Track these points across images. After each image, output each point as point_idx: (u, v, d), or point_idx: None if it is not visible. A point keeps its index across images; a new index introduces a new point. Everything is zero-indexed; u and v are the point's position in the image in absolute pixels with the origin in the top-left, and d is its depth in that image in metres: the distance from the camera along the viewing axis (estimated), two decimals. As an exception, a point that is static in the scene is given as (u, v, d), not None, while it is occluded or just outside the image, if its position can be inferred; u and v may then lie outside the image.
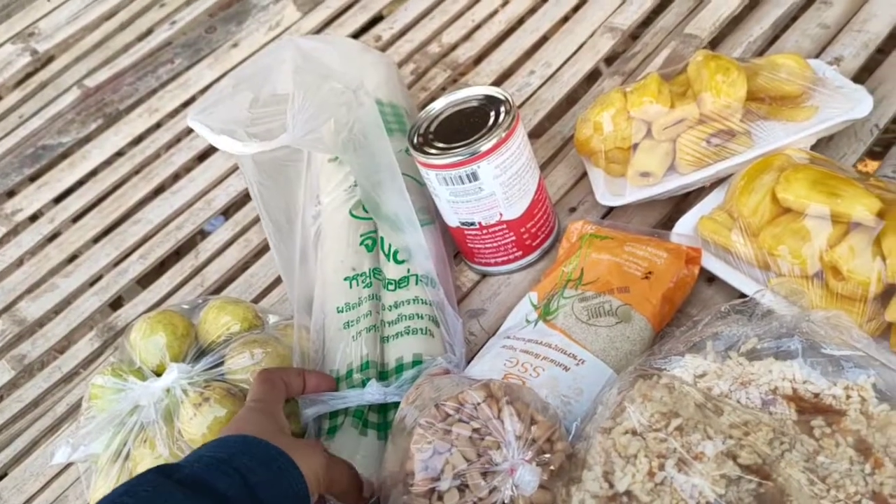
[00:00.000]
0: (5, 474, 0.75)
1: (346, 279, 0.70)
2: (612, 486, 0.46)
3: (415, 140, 0.69)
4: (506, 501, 0.46)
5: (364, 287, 0.70)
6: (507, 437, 0.47)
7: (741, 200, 0.65)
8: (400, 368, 0.65)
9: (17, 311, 0.87)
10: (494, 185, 0.68)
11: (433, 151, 0.67)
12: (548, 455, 0.47)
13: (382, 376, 0.65)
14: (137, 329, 0.66)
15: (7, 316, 0.86)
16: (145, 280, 0.87)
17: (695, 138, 0.71)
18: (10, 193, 1.00)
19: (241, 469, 0.46)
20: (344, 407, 0.63)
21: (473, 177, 0.67)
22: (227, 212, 0.92)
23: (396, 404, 0.59)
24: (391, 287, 0.70)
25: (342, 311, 0.69)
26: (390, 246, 0.71)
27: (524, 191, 0.70)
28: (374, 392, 0.62)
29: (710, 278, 0.68)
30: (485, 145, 0.66)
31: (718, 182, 0.71)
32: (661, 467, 0.45)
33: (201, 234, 0.90)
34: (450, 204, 0.70)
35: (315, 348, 0.68)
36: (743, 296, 0.64)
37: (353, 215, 0.74)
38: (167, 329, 0.66)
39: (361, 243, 0.73)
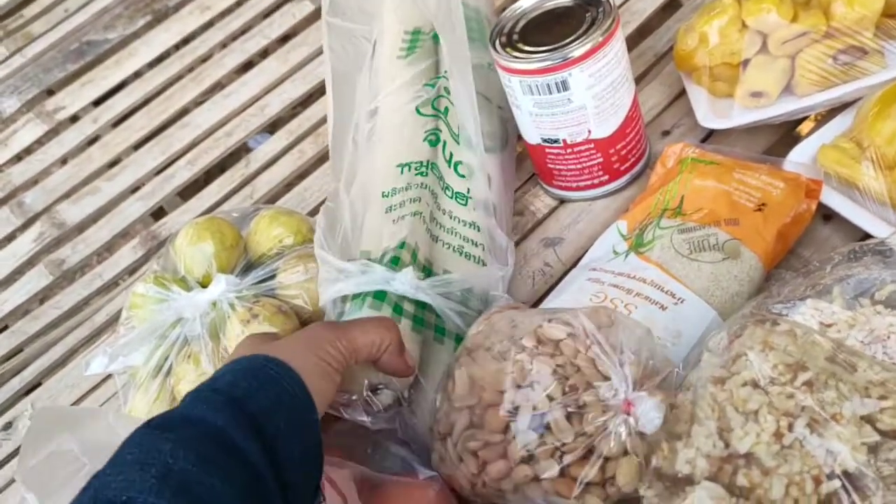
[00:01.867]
0: (39, 384, 0.71)
1: (397, 166, 0.63)
2: (727, 445, 0.39)
3: (498, 41, 0.61)
4: (614, 436, 0.40)
5: (416, 174, 0.62)
6: (620, 369, 0.41)
7: (875, 127, 0.56)
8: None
9: (57, 214, 0.82)
10: (586, 96, 0.59)
11: (518, 55, 0.59)
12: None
13: (426, 271, 0.58)
14: (183, 235, 0.60)
15: (46, 217, 0.82)
16: (192, 188, 0.81)
17: (819, 55, 0.62)
18: (52, 91, 0.95)
19: (221, 388, 0.41)
20: (368, 289, 0.55)
21: (563, 86, 0.59)
22: (280, 121, 0.85)
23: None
24: (449, 194, 0.62)
25: (387, 196, 0.60)
26: (451, 155, 0.64)
27: (617, 106, 0.61)
28: (404, 280, 0.54)
29: (826, 215, 0.59)
30: (578, 50, 0.57)
31: (842, 107, 0.62)
32: (790, 427, 0.38)
33: (248, 147, 0.84)
34: (532, 117, 0.62)
35: (352, 227, 0.61)
36: (868, 237, 0.56)
37: (419, 112, 0.66)
38: (215, 237, 0.60)
39: (424, 139, 0.65)
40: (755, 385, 0.41)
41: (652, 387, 0.41)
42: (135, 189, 0.82)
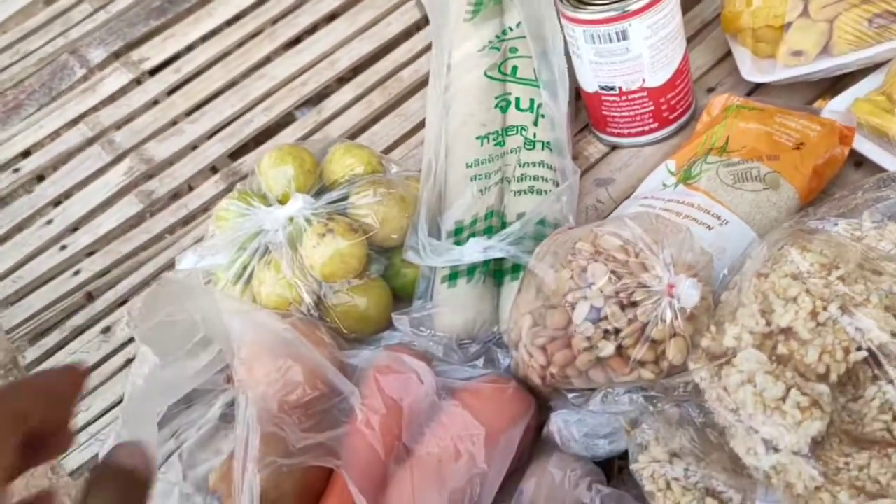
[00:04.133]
0: (126, 300, 0.78)
1: (477, 138, 0.70)
2: (769, 323, 0.46)
3: (564, -6, 0.68)
4: (662, 319, 0.47)
5: (495, 145, 0.69)
6: (663, 258, 0.47)
7: (905, 80, 0.62)
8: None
9: (145, 151, 0.89)
10: (643, 46, 0.66)
11: (582, 5, 0.66)
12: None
13: (502, 225, 0.65)
14: (267, 158, 0.67)
15: (135, 154, 0.89)
16: (268, 132, 0.88)
17: (857, 17, 0.68)
18: (137, 43, 1.02)
19: None
20: (457, 263, 0.62)
21: (623, 35, 0.65)
22: (352, 74, 0.92)
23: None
24: (519, 144, 0.69)
25: (471, 167, 0.68)
26: (532, 102, 0.70)
27: (671, 57, 0.68)
28: (471, 251, 0.61)
29: (857, 162, 0.65)
30: (638, 3, 0.64)
31: (875, 67, 0.68)
32: (825, 308, 0.45)
33: (324, 94, 0.91)
34: (592, 65, 0.69)
35: (435, 194, 0.68)
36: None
37: (487, 76, 0.74)
38: (295, 161, 0.67)
39: (496, 105, 0.72)
40: (794, 277, 0.47)
41: (690, 271, 0.47)
42: (215, 132, 0.89)
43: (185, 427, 0.65)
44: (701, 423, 0.44)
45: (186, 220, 0.83)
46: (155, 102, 0.95)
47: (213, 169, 0.87)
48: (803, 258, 0.48)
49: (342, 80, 0.92)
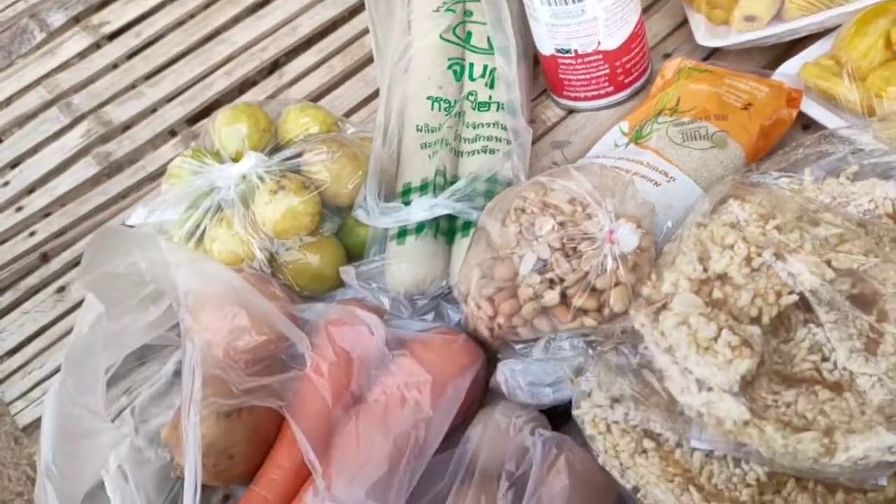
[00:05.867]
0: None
1: (428, 98, 0.70)
2: (706, 270, 0.47)
3: (520, -44, 0.68)
4: (603, 268, 0.48)
5: (446, 114, 0.70)
6: (605, 207, 0.48)
7: (851, 44, 0.64)
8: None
9: (103, 114, 0.88)
10: (598, 8, 0.66)
11: (539, -32, 0.66)
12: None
13: (451, 185, 0.64)
14: (221, 116, 0.67)
15: (93, 117, 0.88)
16: (229, 96, 0.88)
17: (808, -17, 0.69)
18: (98, 7, 1.01)
19: None
20: (405, 223, 0.62)
21: (578, -3, 0.66)
22: (312, 39, 0.91)
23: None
24: (473, 107, 0.70)
25: (421, 131, 0.69)
26: (485, 67, 0.71)
27: (625, 21, 0.68)
28: (417, 209, 0.61)
29: (805, 125, 0.67)
30: (593, -36, 0.65)
31: (825, 33, 0.70)
32: (759, 254, 0.46)
33: (285, 58, 0.91)
34: (548, 28, 0.69)
35: (390, 157, 0.68)
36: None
37: (442, 38, 0.74)
38: (250, 120, 0.67)
39: (449, 67, 0.72)
40: (732, 226, 0.48)
41: (630, 218, 0.48)
42: (175, 95, 0.89)
43: (139, 383, 0.65)
44: (637, 365, 0.45)
45: (144, 183, 0.82)
46: (115, 66, 0.94)
47: (173, 132, 0.86)
48: (742, 209, 0.49)
49: (304, 46, 0.91)
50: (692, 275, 0.46)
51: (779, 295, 0.44)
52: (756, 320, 0.44)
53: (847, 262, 0.46)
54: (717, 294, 0.45)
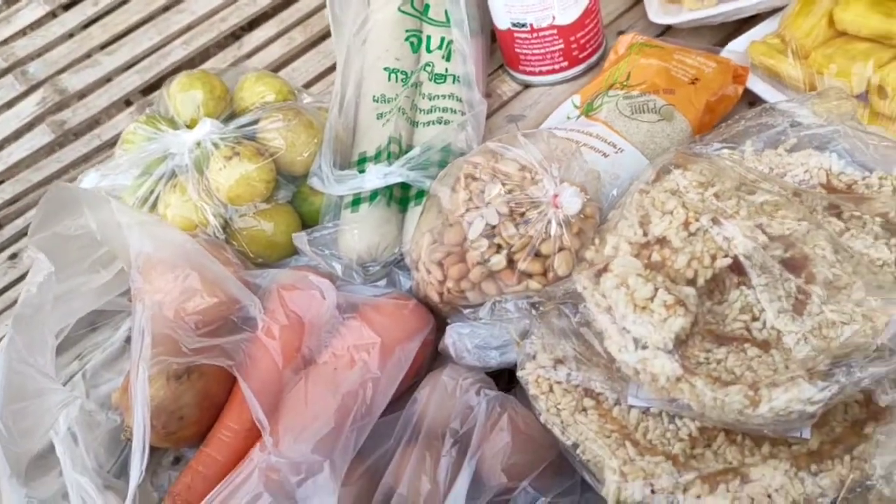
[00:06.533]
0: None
1: (385, 69, 0.71)
2: (646, 234, 0.48)
3: (477, -70, 0.69)
4: (548, 233, 0.49)
5: (403, 85, 0.70)
6: (550, 172, 0.49)
7: (796, 22, 0.65)
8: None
9: (59, 82, 0.88)
10: (552, -18, 0.67)
11: (494, -59, 0.67)
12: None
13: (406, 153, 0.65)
14: (176, 82, 0.67)
15: (49, 85, 0.88)
16: (186, 66, 0.88)
17: (756, -36, 0.70)
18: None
19: None
20: (359, 191, 0.63)
21: (533, -29, 0.67)
22: (272, 11, 0.91)
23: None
24: (429, 78, 0.70)
25: (377, 101, 0.69)
26: (442, 40, 0.72)
27: (580, -4, 0.70)
28: (371, 177, 0.62)
29: (751, 101, 0.68)
30: (547, -61, 0.65)
31: (773, 12, 0.71)
32: (697, 219, 0.47)
33: (244, 29, 0.90)
34: (504, 1, 0.70)
35: (345, 127, 0.68)
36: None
37: (400, 10, 0.74)
38: (205, 87, 0.66)
39: (406, 39, 0.73)
40: (673, 192, 0.50)
41: (575, 184, 0.50)
42: (132, 64, 0.88)
43: (90, 349, 0.65)
44: (577, 324, 0.46)
45: (99, 151, 0.82)
46: (71, 35, 0.93)
47: (129, 101, 0.86)
48: (683, 177, 0.51)
49: (264, 17, 0.91)
50: (633, 238, 0.48)
51: (714, 258, 0.46)
52: (692, 282, 0.46)
53: (780, 228, 0.48)
54: (655, 257, 0.47)
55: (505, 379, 0.56)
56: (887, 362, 0.38)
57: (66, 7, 0.96)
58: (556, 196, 0.50)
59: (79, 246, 0.55)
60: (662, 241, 0.47)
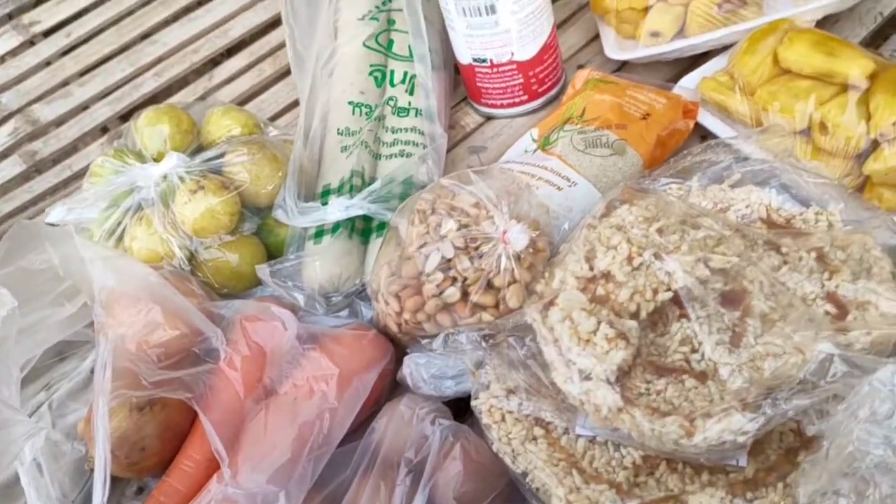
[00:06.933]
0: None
1: (350, 103, 0.73)
2: (592, 268, 0.50)
3: (438, -31, 0.71)
4: (499, 267, 0.51)
5: (367, 119, 0.72)
6: (501, 209, 0.51)
7: (743, 60, 0.68)
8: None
9: (31, 112, 0.89)
10: (511, 21, 0.70)
11: (455, -20, 0.69)
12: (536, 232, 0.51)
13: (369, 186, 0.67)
14: (144, 116, 0.69)
15: (21, 116, 0.89)
16: (158, 98, 0.89)
17: (707, 2, 0.73)
18: (30, 6, 1.01)
19: None
20: (321, 223, 0.65)
21: (491, 9, 0.69)
22: (243, 43, 0.93)
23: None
24: (392, 112, 0.73)
25: (342, 134, 0.71)
26: (405, 74, 0.74)
27: (538, 33, 0.72)
28: (333, 210, 0.64)
29: (703, 136, 0.71)
30: (505, -21, 0.68)
31: (723, 49, 0.74)
32: (640, 254, 0.49)
33: (213, 62, 0.92)
34: (465, 38, 0.72)
35: (311, 159, 0.70)
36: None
37: (365, 46, 0.76)
38: (172, 120, 0.68)
39: (371, 73, 0.75)
40: (618, 228, 0.52)
41: (524, 220, 0.52)
42: (104, 95, 0.90)
43: (57, 379, 0.66)
44: (524, 356, 0.48)
45: (70, 181, 0.83)
46: (47, 64, 0.94)
47: (104, 130, 0.87)
48: (629, 212, 0.53)
49: (234, 49, 0.93)
50: (579, 272, 0.50)
51: (655, 292, 0.48)
52: (635, 315, 0.48)
53: (721, 262, 0.50)
54: (600, 291, 0.49)
55: (463, 408, 0.57)
56: (810, 395, 0.40)
57: (43, 35, 0.97)
58: (504, 232, 0.51)
59: (43, 280, 0.56)
60: (607, 276, 0.49)
